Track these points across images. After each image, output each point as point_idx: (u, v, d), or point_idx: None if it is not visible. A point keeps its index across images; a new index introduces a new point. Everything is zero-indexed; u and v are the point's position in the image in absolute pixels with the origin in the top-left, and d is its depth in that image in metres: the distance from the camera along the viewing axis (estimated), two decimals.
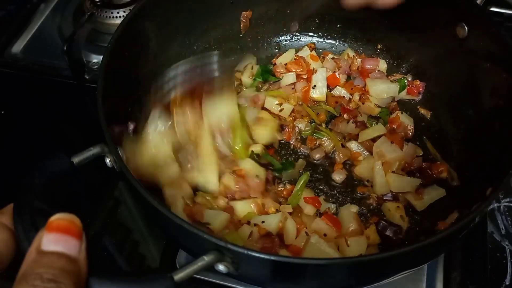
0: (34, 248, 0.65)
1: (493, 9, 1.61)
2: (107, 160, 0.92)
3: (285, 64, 1.42)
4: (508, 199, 1.25)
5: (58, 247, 0.65)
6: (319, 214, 1.15)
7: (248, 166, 1.17)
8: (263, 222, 1.08)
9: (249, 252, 0.77)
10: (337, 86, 1.39)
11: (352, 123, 1.29)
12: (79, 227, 0.67)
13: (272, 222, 1.08)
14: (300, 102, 1.36)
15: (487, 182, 0.99)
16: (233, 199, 1.14)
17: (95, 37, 1.60)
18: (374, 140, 1.26)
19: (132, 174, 0.89)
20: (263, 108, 1.33)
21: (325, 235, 1.08)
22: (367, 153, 1.26)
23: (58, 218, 0.67)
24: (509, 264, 1.15)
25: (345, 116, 1.31)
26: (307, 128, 1.31)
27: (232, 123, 1.16)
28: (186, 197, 1.11)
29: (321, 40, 1.50)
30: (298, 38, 1.50)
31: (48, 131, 1.44)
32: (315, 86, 1.36)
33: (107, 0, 1.60)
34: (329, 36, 1.49)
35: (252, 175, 1.16)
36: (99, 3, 1.58)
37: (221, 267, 0.79)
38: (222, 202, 1.13)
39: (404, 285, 1.09)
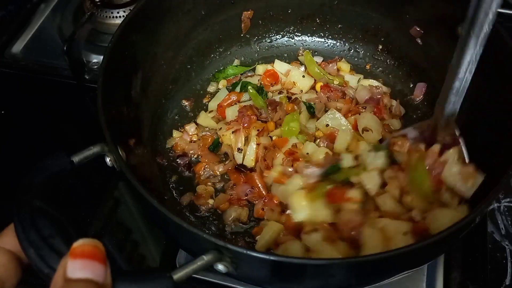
0: (60, 276, 0.63)
1: None
2: (107, 160, 0.92)
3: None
4: (508, 199, 1.25)
5: (85, 273, 0.63)
6: None
7: None
8: None
9: (248, 252, 0.77)
10: None
11: None
12: (103, 251, 0.66)
13: None
14: None
15: (488, 181, 0.99)
16: None
17: (95, 37, 1.60)
18: None
19: (132, 174, 0.89)
20: None
21: None
22: None
23: (82, 243, 0.65)
24: (509, 264, 1.15)
25: None
26: None
27: None
28: None
29: (322, 40, 1.50)
30: (299, 38, 1.51)
31: (48, 131, 1.44)
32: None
33: (107, 0, 1.60)
34: (330, 37, 1.49)
35: None
36: (99, 3, 1.59)
37: (220, 267, 0.79)
38: None
39: (404, 285, 1.09)
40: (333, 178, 1.14)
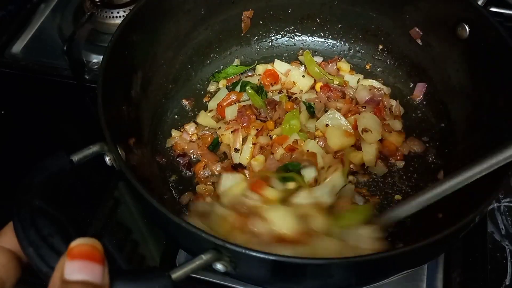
0: (58, 277, 0.62)
1: (493, 9, 1.61)
2: (107, 159, 0.92)
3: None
4: (508, 199, 1.25)
5: (83, 275, 0.62)
6: None
7: None
8: None
9: (247, 251, 0.77)
10: None
11: None
12: (101, 251, 0.65)
13: None
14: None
15: (488, 181, 0.99)
16: None
17: (95, 37, 1.60)
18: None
19: (132, 173, 0.89)
20: None
21: None
22: None
23: (79, 244, 0.64)
24: (509, 264, 1.15)
25: None
26: None
27: None
28: None
29: (322, 40, 1.50)
30: (299, 38, 1.51)
31: (48, 131, 1.44)
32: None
33: (107, 0, 1.60)
34: (330, 37, 1.49)
35: None
36: (99, 3, 1.59)
37: (219, 266, 0.79)
38: None
39: (404, 285, 1.09)
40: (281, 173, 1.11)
